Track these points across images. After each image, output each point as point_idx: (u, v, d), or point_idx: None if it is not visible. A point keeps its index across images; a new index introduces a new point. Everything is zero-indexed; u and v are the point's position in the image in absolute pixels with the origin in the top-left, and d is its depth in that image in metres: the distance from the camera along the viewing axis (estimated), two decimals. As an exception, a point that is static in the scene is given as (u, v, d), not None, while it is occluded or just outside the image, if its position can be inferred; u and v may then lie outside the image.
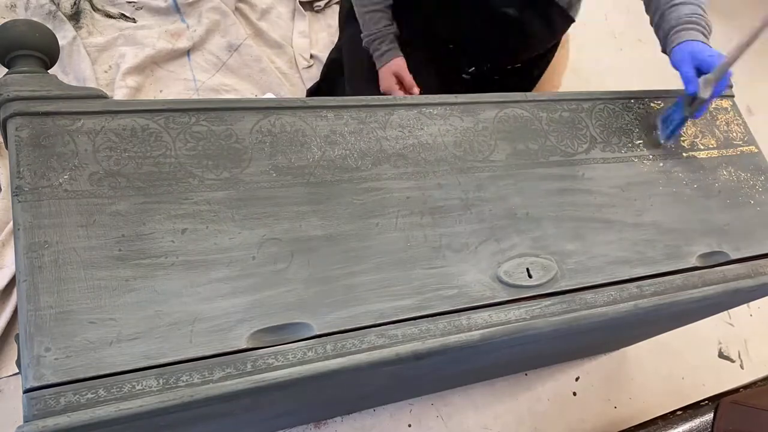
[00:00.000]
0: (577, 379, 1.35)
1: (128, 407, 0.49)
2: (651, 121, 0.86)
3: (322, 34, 1.59)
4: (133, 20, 1.45)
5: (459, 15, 0.94)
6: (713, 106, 0.95)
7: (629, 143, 0.84)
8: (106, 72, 1.35)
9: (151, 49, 1.38)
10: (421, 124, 0.74)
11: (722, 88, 0.78)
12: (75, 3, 1.38)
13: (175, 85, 1.40)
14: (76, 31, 1.36)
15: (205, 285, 0.56)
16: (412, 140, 0.72)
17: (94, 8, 1.42)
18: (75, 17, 1.38)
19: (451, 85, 1.06)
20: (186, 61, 1.44)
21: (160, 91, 1.38)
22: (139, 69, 1.35)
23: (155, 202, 0.58)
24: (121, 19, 1.43)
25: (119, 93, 1.29)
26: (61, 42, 1.30)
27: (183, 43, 1.42)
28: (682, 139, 0.89)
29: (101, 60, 1.36)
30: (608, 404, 1.35)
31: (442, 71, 1.03)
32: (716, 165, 0.89)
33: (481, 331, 0.62)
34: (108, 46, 1.37)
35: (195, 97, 1.40)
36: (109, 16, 1.43)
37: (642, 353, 1.43)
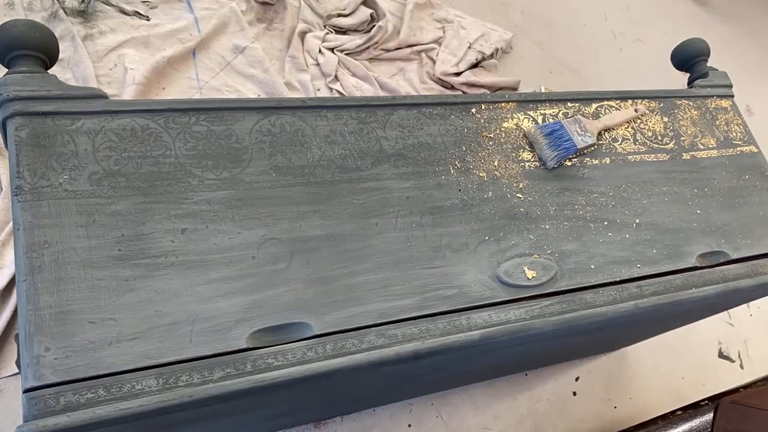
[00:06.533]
0: (577, 379, 1.35)
1: (128, 407, 0.49)
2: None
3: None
4: (147, 18, 1.45)
5: None
6: (713, 106, 0.95)
7: (629, 143, 0.84)
8: (111, 69, 1.35)
9: (162, 48, 1.39)
10: (421, 124, 0.74)
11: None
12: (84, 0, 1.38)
13: (178, 83, 1.40)
14: (86, 29, 1.36)
15: (204, 285, 0.56)
16: (412, 140, 0.72)
17: (108, 3, 1.42)
18: (83, 14, 1.38)
19: None
20: (191, 60, 1.45)
21: (163, 89, 1.38)
22: (148, 67, 1.36)
23: (155, 202, 0.58)
24: (135, 17, 1.44)
25: (128, 90, 1.30)
26: (61, 41, 1.30)
27: (190, 42, 1.43)
28: (682, 138, 0.89)
29: (109, 58, 1.36)
30: (608, 404, 1.35)
31: None
32: (716, 165, 0.89)
33: (480, 331, 0.62)
34: (118, 44, 1.38)
35: (197, 96, 1.41)
36: (123, 12, 1.43)
37: (642, 353, 1.43)
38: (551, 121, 0.81)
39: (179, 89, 1.40)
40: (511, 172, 0.75)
